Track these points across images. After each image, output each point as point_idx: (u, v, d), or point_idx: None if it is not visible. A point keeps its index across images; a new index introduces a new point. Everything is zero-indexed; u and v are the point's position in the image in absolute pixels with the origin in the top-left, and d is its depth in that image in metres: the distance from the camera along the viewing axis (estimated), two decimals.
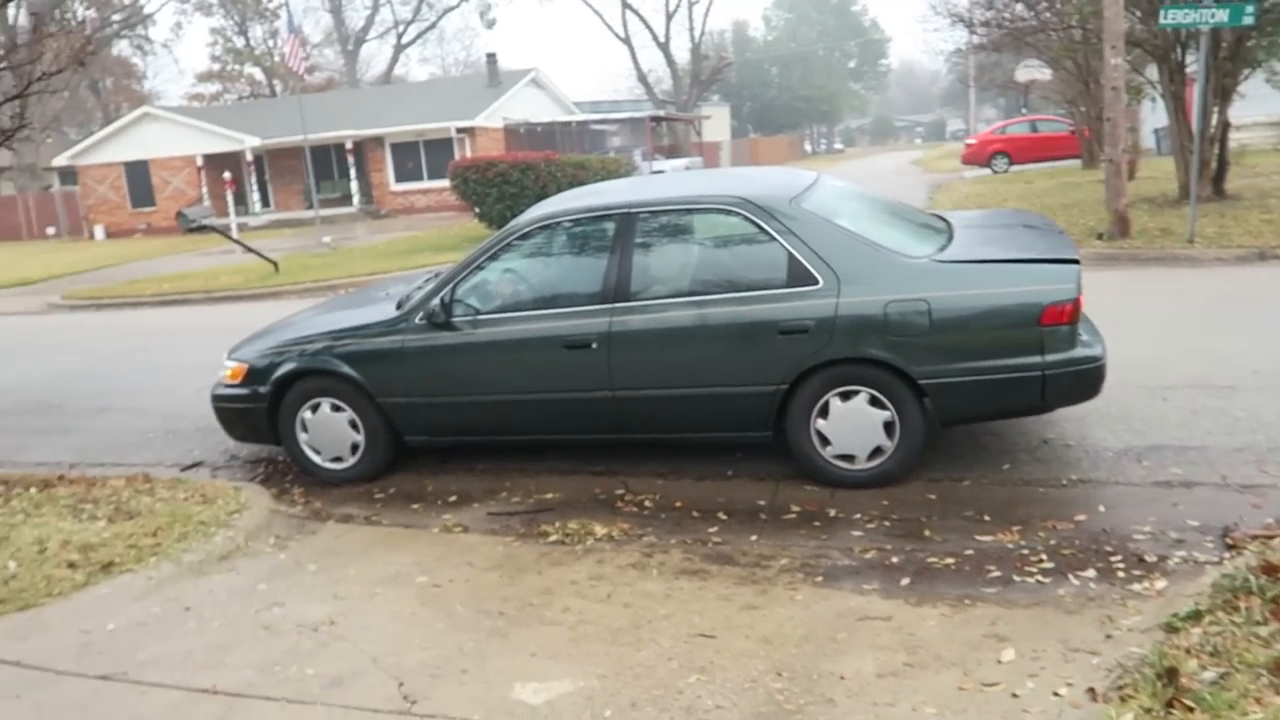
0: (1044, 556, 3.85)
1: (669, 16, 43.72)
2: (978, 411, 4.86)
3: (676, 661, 3.22)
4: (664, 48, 43.91)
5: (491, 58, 34.67)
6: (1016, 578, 3.69)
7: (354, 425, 5.55)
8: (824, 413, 4.77)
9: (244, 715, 3.00)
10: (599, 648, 3.36)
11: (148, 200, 33.73)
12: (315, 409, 5.59)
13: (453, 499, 5.25)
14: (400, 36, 57.46)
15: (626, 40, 43.62)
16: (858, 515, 4.49)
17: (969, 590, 3.63)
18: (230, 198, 28.03)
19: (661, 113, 37.37)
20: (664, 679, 3.11)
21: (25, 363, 10.32)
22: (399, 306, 5.54)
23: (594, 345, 4.98)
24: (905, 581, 3.76)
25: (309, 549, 4.60)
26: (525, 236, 5.37)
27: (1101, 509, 4.30)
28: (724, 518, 4.64)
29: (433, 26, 58.89)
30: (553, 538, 4.53)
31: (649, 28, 43.71)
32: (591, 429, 5.29)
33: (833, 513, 4.57)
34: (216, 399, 5.96)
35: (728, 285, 4.92)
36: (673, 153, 35.92)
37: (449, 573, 4.16)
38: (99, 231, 33.93)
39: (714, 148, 42.65)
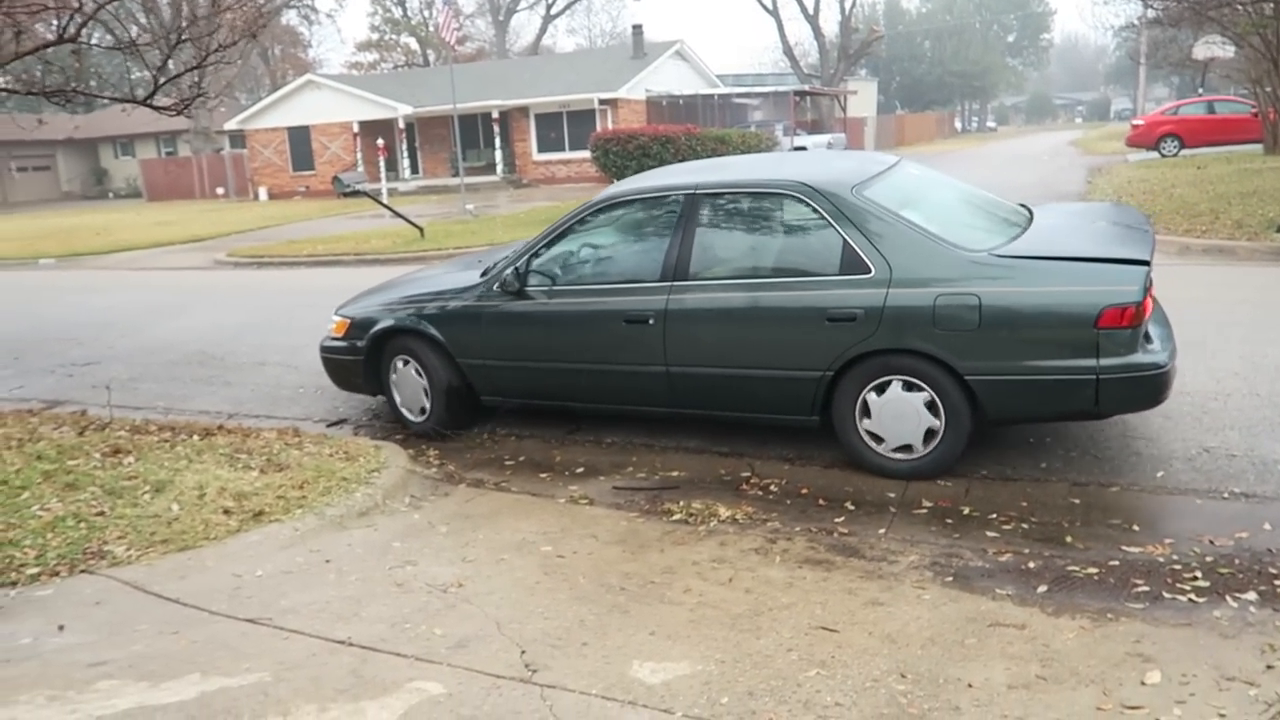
0: (1198, 574, 3.60)
1: None
2: (1027, 412, 4.72)
3: (796, 653, 3.17)
4: (812, 20, 42.96)
5: (637, 29, 34.73)
6: (1166, 594, 3.47)
7: (425, 385, 6.02)
8: (869, 401, 4.79)
9: (375, 668, 3.13)
10: (718, 632, 3.34)
11: (308, 164, 35.43)
12: (405, 364, 6.06)
13: (580, 471, 5.33)
14: (549, 8, 58.25)
15: (774, 12, 42.88)
16: (994, 515, 4.31)
17: (1112, 604, 3.43)
18: (382, 164, 29.17)
19: (806, 87, 36.63)
20: (783, 670, 3.07)
21: (194, 316, 11.02)
22: (484, 274, 5.84)
23: (651, 321, 5.16)
24: (1042, 589, 3.59)
25: (441, 511, 4.75)
26: (596, 213, 5.57)
27: (1267, 527, 3.99)
28: (851, 508, 4.54)
29: None
30: (676, 516, 4.53)
31: (798, 0, 42.78)
32: (648, 401, 5.45)
33: (967, 510, 4.40)
34: (323, 349, 6.51)
35: (783, 269, 4.98)
36: (815, 128, 35.21)
37: (573, 544, 4.22)
38: (262, 193, 35.92)
39: (859, 124, 41.53)
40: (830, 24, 47.05)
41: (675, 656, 3.17)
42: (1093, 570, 3.71)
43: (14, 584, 3.79)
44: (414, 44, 59.87)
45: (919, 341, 4.55)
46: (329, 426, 6.44)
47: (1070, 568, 3.74)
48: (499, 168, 32.28)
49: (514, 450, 5.76)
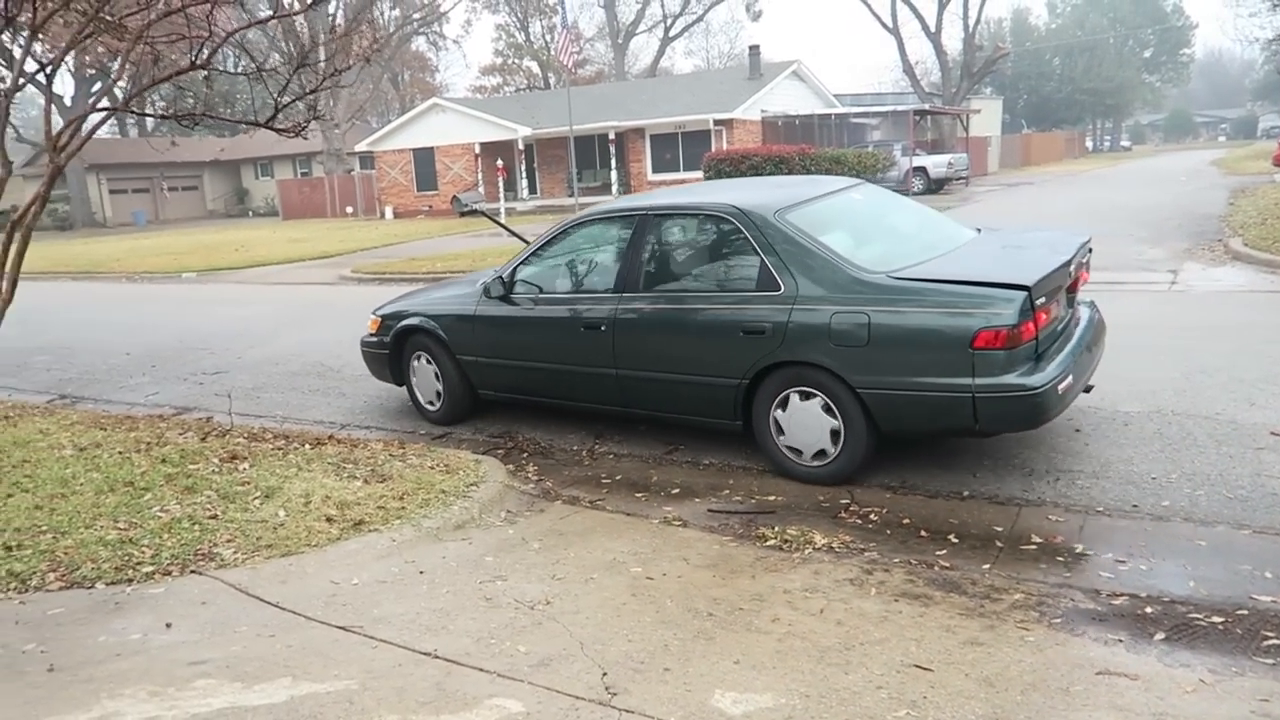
0: None
1: (942, 5, 41.77)
2: (915, 426, 4.99)
3: (886, 691, 3.04)
4: (934, 38, 42.00)
5: (754, 50, 34.68)
6: None
7: (438, 376, 6.83)
8: (781, 408, 5.21)
9: (458, 682, 3.15)
10: (805, 664, 3.23)
11: (431, 184, 36.66)
12: (419, 359, 6.90)
13: (675, 491, 5.29)
14: (668, 30, 58.80)
15: (894, 30, 42.15)
16: (1109, 554, 4.07)
17: (1237, 657, 3.17)
18: (501, 183, 29.94)
19: (926, 106, 35.81)
20: (870, 708, 2.94)
21: (316, 329, 11.49)
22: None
23: (603, 328, 5.77)
24: (1159, 636, 3.35)
25: (535, 526, 4.78)
26: (572, 230, 6.24)
27: None
28: (954, 541, 4.36)
29: (699, 20, 59.82)
30: (770, 542, 4.43)
31: (919, 17, 41.95)
32: (603, 401, 6.05)
33: (1080, 548, 4.17)
34: (362, 344, 7.40)
35: (712, 285, 5.51)
36: (936, 148, 34.38)
37: (663, 566, 4.18)
38: (388, 212, 37.33)
39: (982, 143, 40.35)
40: (953, 41, 45.95)
41: (759, 688, 3.08)
42: (1218, 619, 3.44)
43: (130, 581, 3.99)
44: (535, 67, 61.39)
45: (817, 355, 4.95)
46: (434, 440, 6.59)
47: (1192, 615, 3.48)
48: (614, 188, 32.67)
49: (611, 469, 5.77)
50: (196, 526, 4.53)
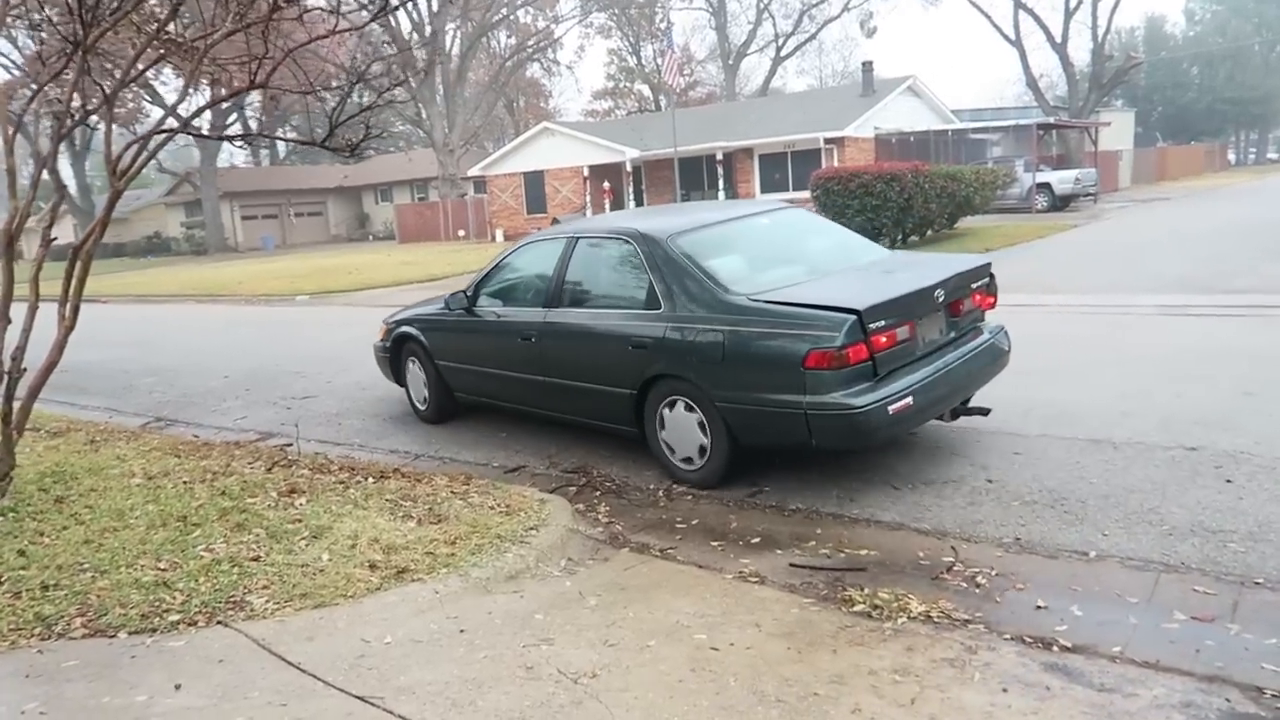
0: None
1: (1068, 14, 39.88)
2: (764, 439, 5.29)
3: None
4: (1060, 49, 40.10)
5: (867, 66, 33.78)
6: None
7: (425, 381, 7.61)
8: (665, 416, 5.64)
9: None
10: None
11: (540, 207, 36.98)
12: (412, 363, 7.71)
13: (755, 541, 4.76)
14: (779, 50, 58.14)
15: (1017, 42, 40.44)
16: (1273, 639, 3.35)
17: None
18: (608, 205, 29.87)
19: (1051, 119, 34.13)
20: None
21: None
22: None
23: (533, 339, 6.35)
24: None
25: (595, 579, 4.33)
26: (518, 252, 6.97)
27: None
28: (1079, 614, 3.70)
29: (812, 38, 58.91)
30: (858, 606, 3.86)
31: (1044, 27, 40.13)
32: (540, 406, 6.68)
33: (1235, 629, 3.45)
34: (374, 348, 8.28)
35: (614, 302, 5.96)
36: (1061, 163, 32.69)
37: (731, 634, 3.66)
38: (499, 234, 37.83)
39: (1112, 157, 38.19)
40: (1080, 52, 43.74)
41: None
42: None
43: (154, 630, 3.72)
44: (646, 90, 61.65)
45: (686, 371, 5.38)
46: (506, 473, 6.23)
47: None
48: None
49: (688, 512, 5.27)
50: (235, 569, 4.25)
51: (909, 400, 4.91)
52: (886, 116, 31.22)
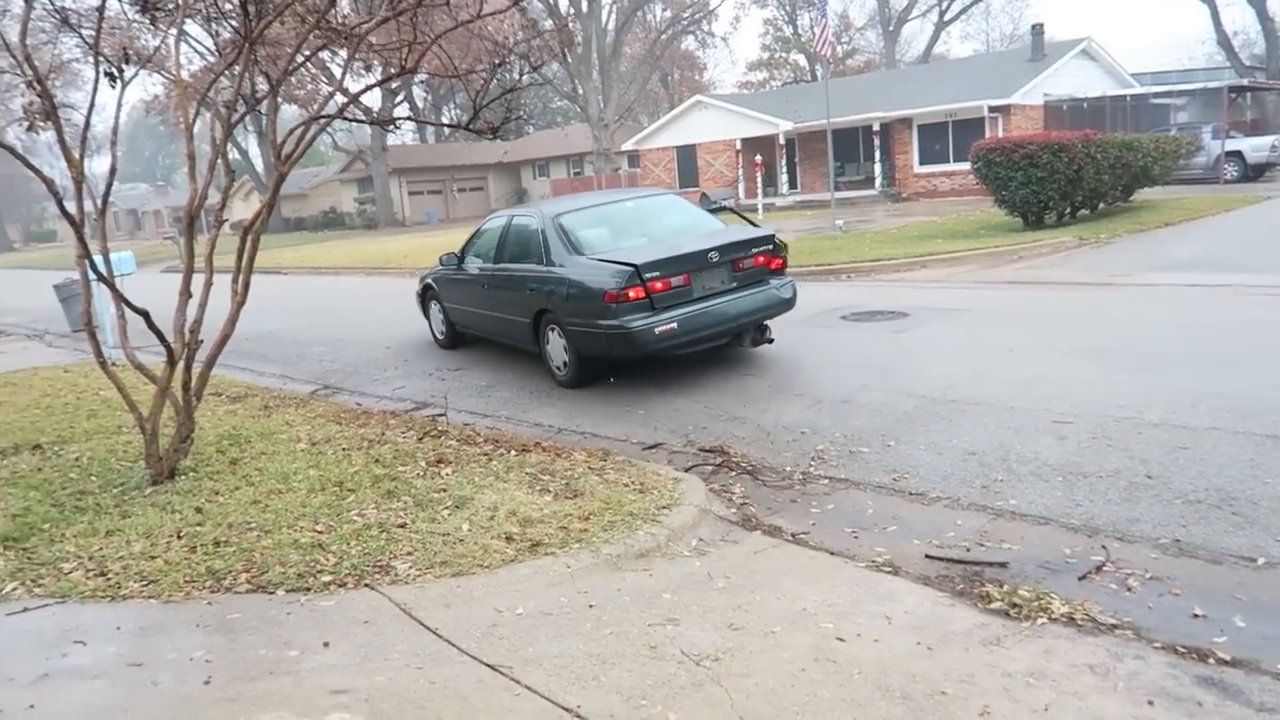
0: None
1: None
2: (591, 351, 7.77)
3: None
4: (1258, 3, 36.64)
5: (1037, 29, 31.87)
6: None
7: (442, 319, 10.75)
8: (549, 337, 8.23)
9: None
10: None
11: (693, 181, 36.89)
12: (434, 305, 10.87)
13: (891, 529, 4.64)
14: (943, 14, 55.69)
15: None
16: None
17: None
18: (760, 179, 29.52)
19: (1245, 81, 31.29)
20: None
21: None
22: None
23: (484, 286, 9.33)
24: None
25: (725, 561, 4.33)
26: (485, 224, 9.97)
27: None
28: (1241, 625, 3.44)
29: (978, 0, 56.06)
30: (995, 604, 3.72)
31: None
32: (490, 333, 9.77)
33: None
34: (415, 294, 11.44)
35: (524, 259, 8.58)
36: (1257, 129, 29.94)
37: (859, 624, 3.60)
38: None
39: None
40: None
41: None
42: None
43: (308, 589, 3.98)
44: (802, 60, 60.37)
45: (552, 305, 7.95)
46: (644, 449, 6.30)
47: None
48: (878, 181, 31.26)
49: (823, 495, 5.19)
50: (384, 535, 4.49)
51: (673, 325, 7.29)
52: (1057, 82, 29.38)
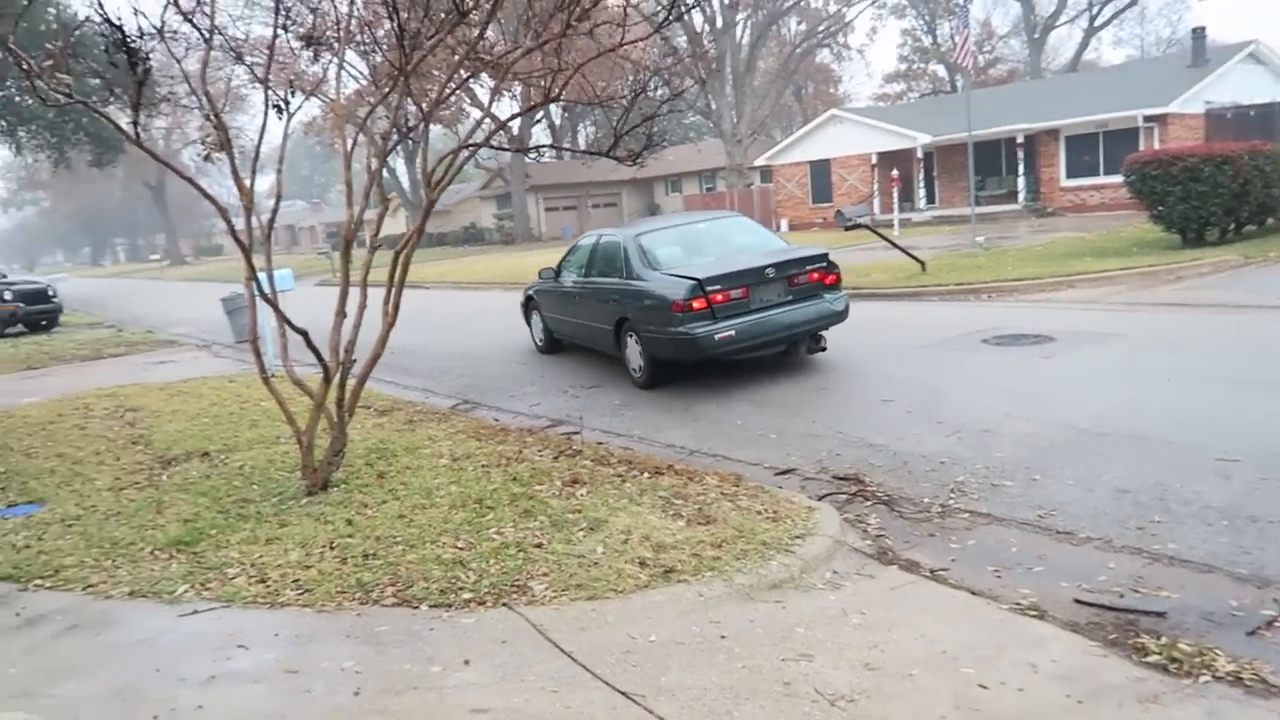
0: None
1: None
2: (661, 355, 8.87)
3: None
4: None
5: (1197, 32, 30.05)
6: None
7: (540, 326, 12.10)
8: (628, 343, 9.35)
9: None
10: None
11: (826, 196, 36.45)
12: (534, 314, 12.20)
13: (1037, 569, 4.46)
14: (1093, 19, 53.18)
15: None
16: None
17: None
18: (896, 194, 28.90)
19: None
20: None
21: None
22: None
23: (576, 296, 10.49)
24: None
25: (860, 596, 4.25)
26: (576, 245, 11.12)
27: None
28: None
29: (1133, 3, 53.28)
30: (1152, 657, 3.51)
31: None
32: (580, 340, 10.96)
33: None
34: (520, 305, 12.89)
35: (609, 273, 9.76)
36: None
37: (1002, 671, 3.46)
38: (784, 224, 37.74)
39: None
40: None
41: None
42: None
43: (450, 606, 4.13)
44: (941, 71, 58.81)
45: (629, 314, 9.13)
46: (777, 475, 6.25)
47: None
48: (1021, 195, 30.11)
49: (964, 531, 5.03)
50: (521, 555, 4.61)
51: (732, 333, 8.33)
52: (1221, 89, 27.62)
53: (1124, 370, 8.00)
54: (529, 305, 12.27)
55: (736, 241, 9.72)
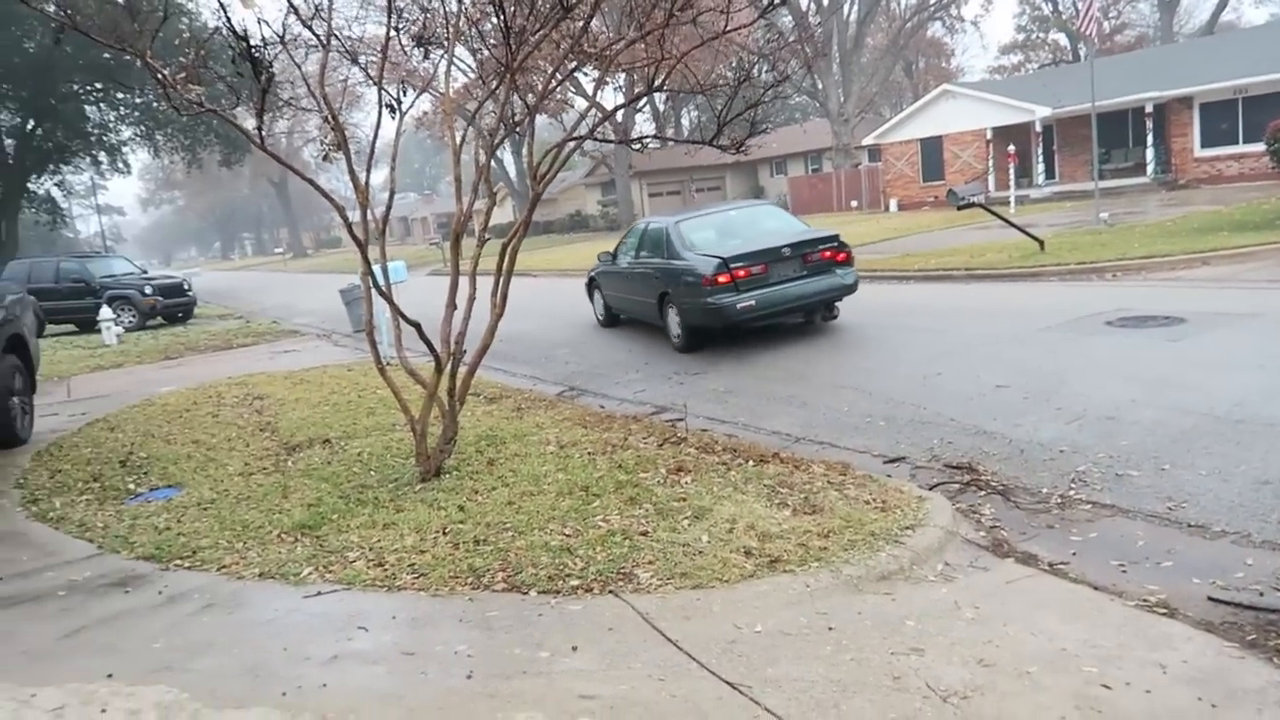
0: None
1: None
2: (696, 322, 10.54)
3: None
4: None
5: None
6: None
7: (602, 304, 13.89)
8: (669, 313, 11.05)
9: None
10: None
11: (937, 174, 35.38)
12: (596, 292, 14.02)
13: (1165, 564, 4.24)
14: None
15: None
16: None
17: None
18: (1012, 170, 27.83)
19: None
20: None
21: (801, 333, 11.53)
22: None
23: (628, 274, 12.29)
24: None
25: (974, 589, 4.13)
26: (631, 229, 12.93)
27: None
28: None
29: None
30: None
31: None
32: (631, 313, 12.93)
33: None
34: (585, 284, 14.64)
35: (654, 254, 11.51)
36: None
37: (1128, 670, 3.31)
38: (893, 204, 36.86)
39: None
40: None
41: None
42: None
43: (558, 592, 4.19)
44: (1063, 39, 56.27)
45: (670, 288, 10.90)
46: (885, 463, 6.13)
47: None
48: (1150, 168, 28.58)
49: (1086, 523, 4.83)
50: (627, 542, 4.64)
51: (752, 303, 9.89)
52: None
53: (1262, 354, 7.53)
54: (591, 285, 14.20)
55: (763, 226, 11.38)
